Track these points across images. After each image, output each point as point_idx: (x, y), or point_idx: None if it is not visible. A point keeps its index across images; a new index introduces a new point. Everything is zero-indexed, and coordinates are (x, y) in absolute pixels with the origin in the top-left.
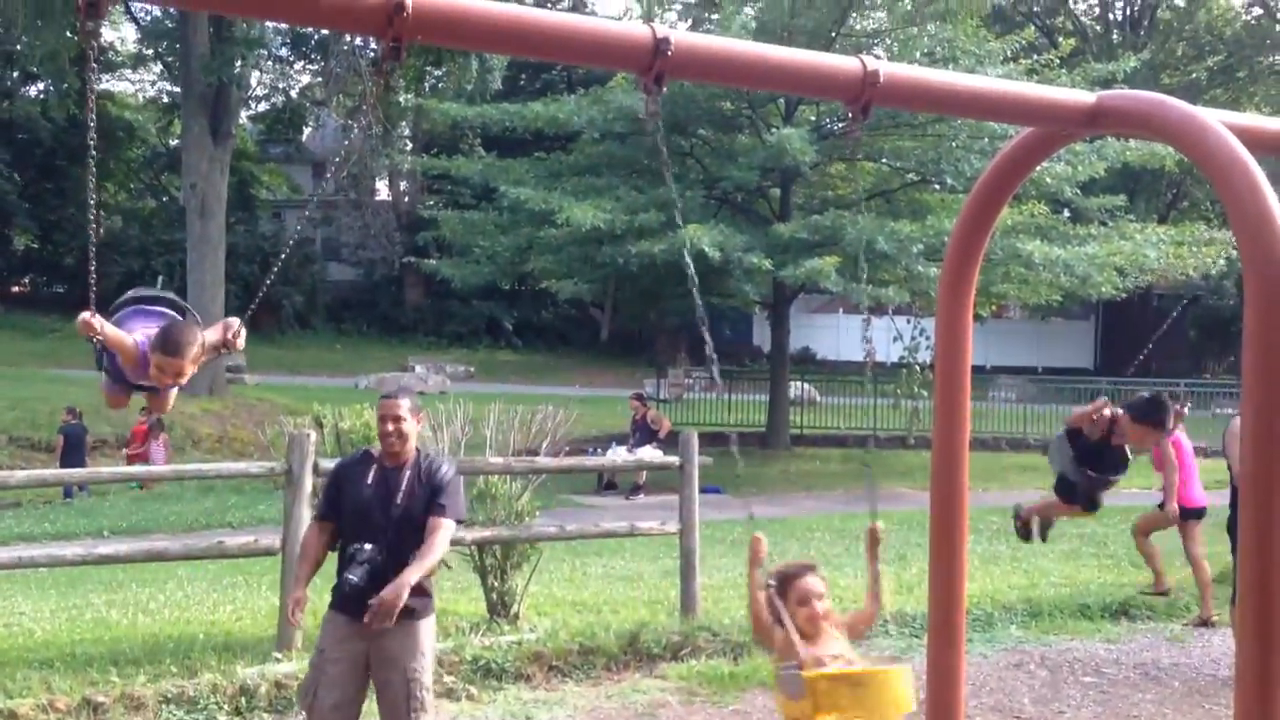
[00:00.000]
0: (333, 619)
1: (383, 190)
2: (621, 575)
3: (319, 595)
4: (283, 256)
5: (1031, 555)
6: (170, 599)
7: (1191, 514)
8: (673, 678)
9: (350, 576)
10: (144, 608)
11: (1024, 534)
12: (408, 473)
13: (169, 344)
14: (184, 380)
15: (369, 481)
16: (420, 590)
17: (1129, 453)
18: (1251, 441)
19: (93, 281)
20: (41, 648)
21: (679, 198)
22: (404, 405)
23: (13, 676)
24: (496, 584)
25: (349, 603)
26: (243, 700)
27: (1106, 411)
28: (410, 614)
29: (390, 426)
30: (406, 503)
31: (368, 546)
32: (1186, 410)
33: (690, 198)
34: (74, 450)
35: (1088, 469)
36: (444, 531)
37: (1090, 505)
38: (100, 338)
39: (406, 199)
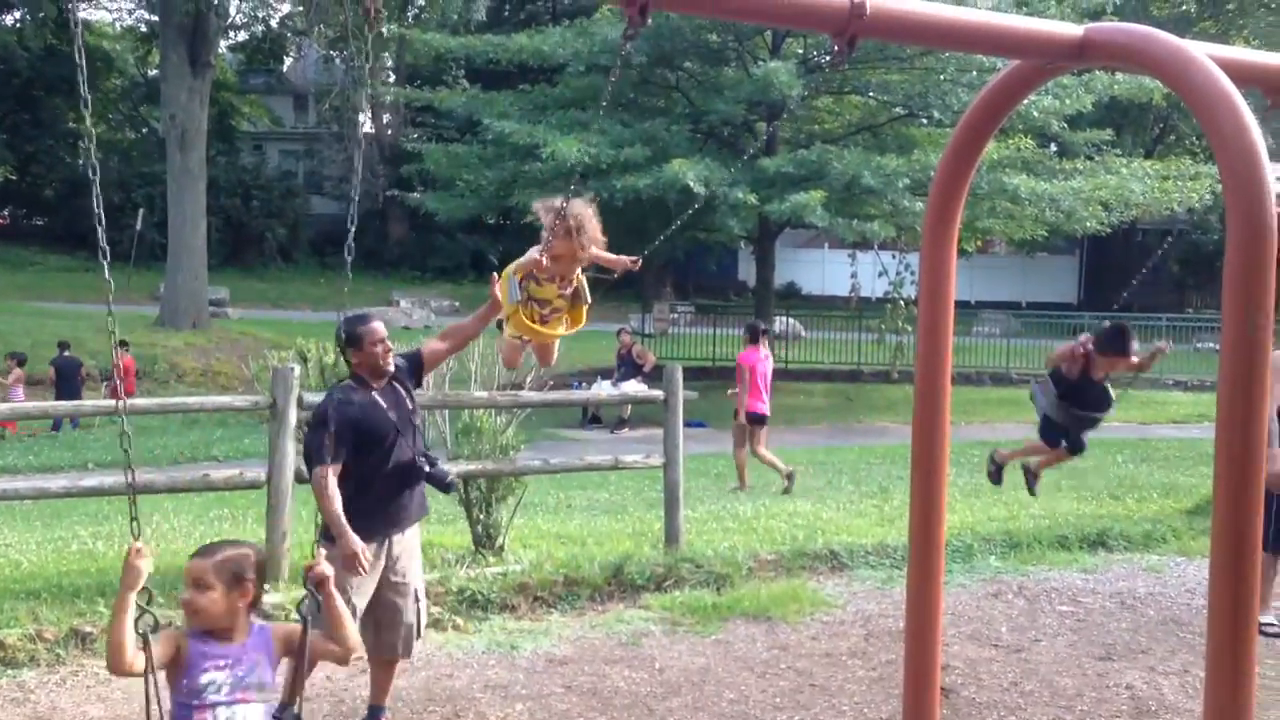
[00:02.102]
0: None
1: (366, 123)
2: (606, 508)
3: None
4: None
5: (1011, 488)
6: (157, 531)
7: (755, 420)
8: (656, 608)
9: (445, 476)
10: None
11: (995, 478)
12: (396, 384)
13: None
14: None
15: (383, 405)
16: (438, 476)
17: (1111, 391)
18: (1229, 374)
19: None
20: (28, 579)
21: (663, 132)
22: (383, 325)
23: (0, 607)
24: (482, 517)
25: (405, 519)
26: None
27: (1082, 349)
28: (418, 514)
29: (380, 348)
30: (415, 405)
31: (431, 452)
32: (1168, 349)
33: (676, 132)
34: (67, 383)
35: (1072, 407)
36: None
37: (1075, 446)
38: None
39: (390, 132)
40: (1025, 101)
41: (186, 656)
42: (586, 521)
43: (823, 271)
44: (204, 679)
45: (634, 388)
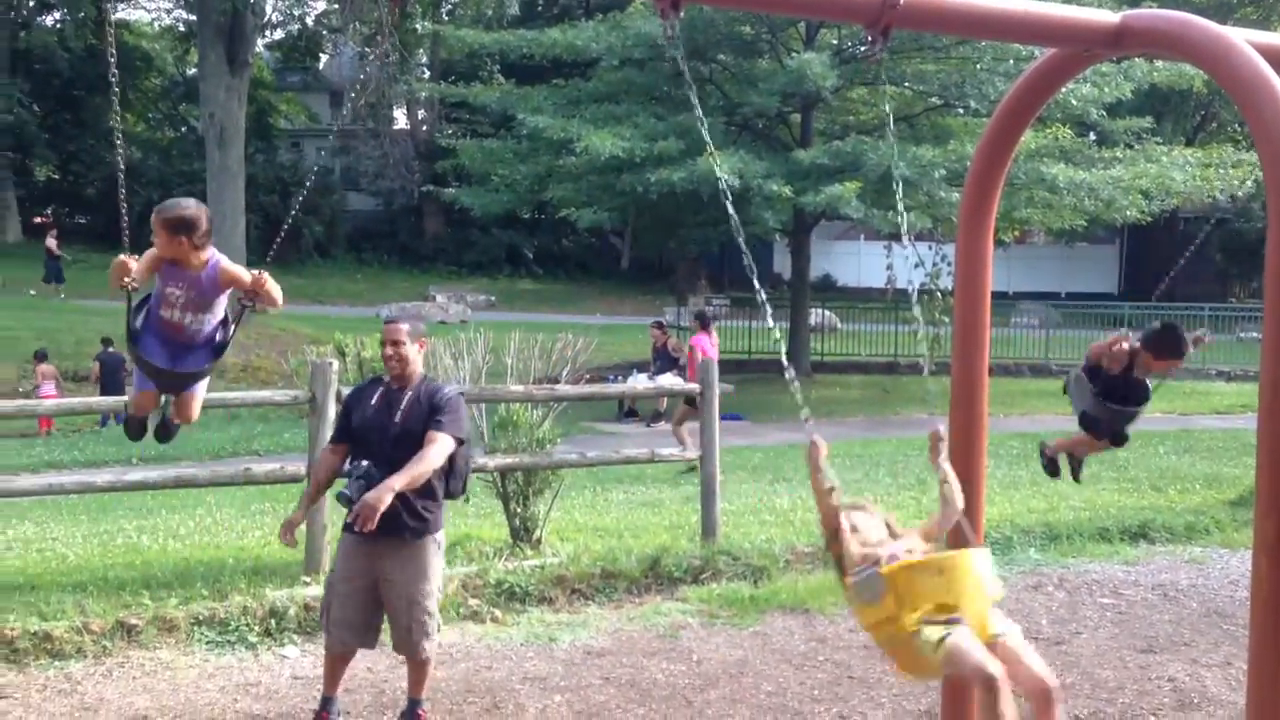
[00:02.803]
0: (343, 540)
1: (401, 119)
2: (642, 501)
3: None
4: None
5: (1051, 480)
6: (200, 525)
7: (691, 400)
8: (693, 600)
9: (345, 491)
10: (174, 533)
11: (1051, 470)
12: (409, 394)
13: (172, 214)
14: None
15: (373, 402)
16: (416, 513)
17: (1149, 383)
18: (1272, 364)
19: (125, 226)
20: (74, 572)
21: (698, 124)
22: (404, 329)
23: (47, 600)
24: (519, 510)
25: (352, 522)
26: (272, 622)
27: (1125, 345)
28: (408, 535)
29: (389, 350)
30: (404, 421)
31: (364, 463)
32: (1209, 339)
33: (710, 124)
34: (111, 378)
35: (1110, 403)
36: (439, 444)
37: (1117, 439)
38: (133, 281)
39: (425, 128)
40: (1063, 90)
41: (163, 269)
42: (623, 514)
43: (858, 263)
44: (168, 289)
45: (670, 381)
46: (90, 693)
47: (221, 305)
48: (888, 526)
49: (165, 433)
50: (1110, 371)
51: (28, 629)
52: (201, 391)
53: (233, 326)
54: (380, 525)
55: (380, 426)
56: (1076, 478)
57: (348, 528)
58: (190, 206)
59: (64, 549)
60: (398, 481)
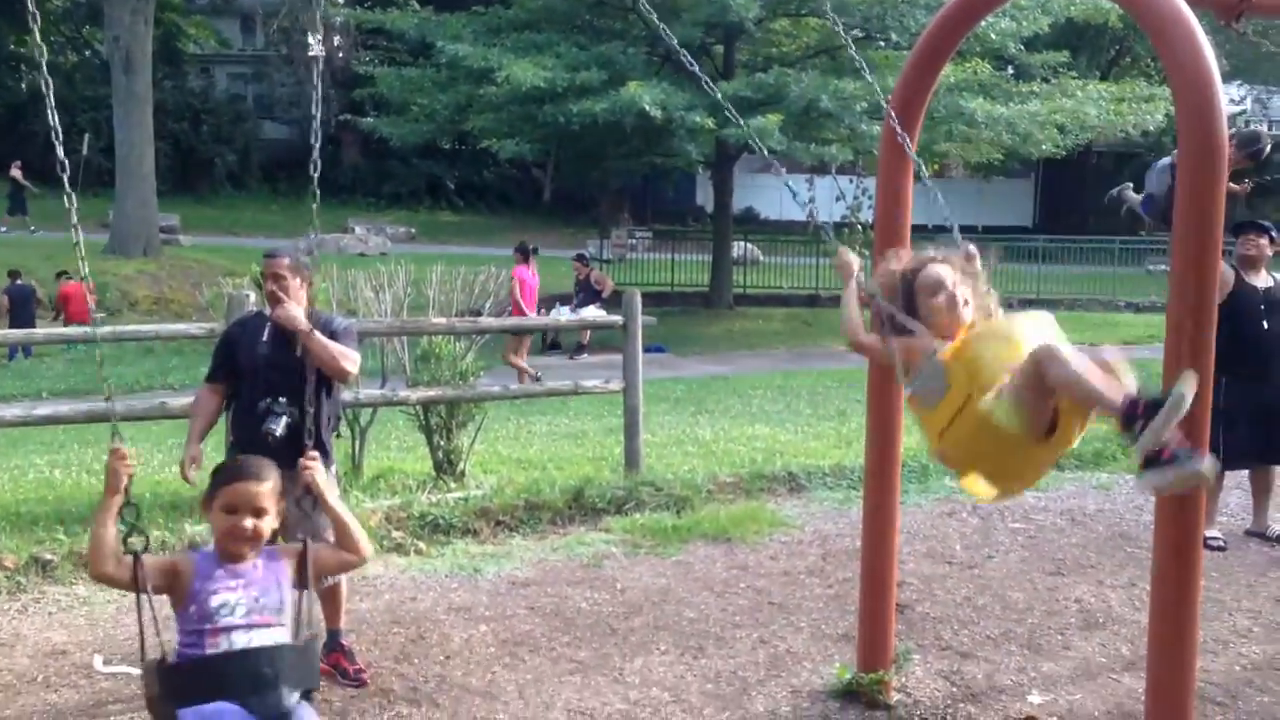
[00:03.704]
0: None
1: (315, 45)
2: (566, 433)
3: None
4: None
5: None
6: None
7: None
8: (617, 531)
9: (272, 427)
10: (88, 468)
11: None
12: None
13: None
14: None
15: (264, 339)
16: (321, 446)
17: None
18: (1178, 295)
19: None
20: None
21: (620, 55)
22: (284, 263)
23: None
24: (442, 443)
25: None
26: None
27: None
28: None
29: (271, 285)
30: (303, 354)
31: (282, 399)
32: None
33: (632, 55)
34: (22, 310)
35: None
36: (350, 355)
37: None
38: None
39: (340, 54)
40: (982, 23)
41: (191, 580)
42: (547, 446)
43: (780, 197)
44: (215, 601)
45: (593, 313)
46: (5, 628)
47: (287, 602)
48: (957, 293)
49: None
50: None
51: None
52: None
53: (305, 594)
54: (283, 460)
55: (277, 363)
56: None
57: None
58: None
59: None
60: (319, 336)
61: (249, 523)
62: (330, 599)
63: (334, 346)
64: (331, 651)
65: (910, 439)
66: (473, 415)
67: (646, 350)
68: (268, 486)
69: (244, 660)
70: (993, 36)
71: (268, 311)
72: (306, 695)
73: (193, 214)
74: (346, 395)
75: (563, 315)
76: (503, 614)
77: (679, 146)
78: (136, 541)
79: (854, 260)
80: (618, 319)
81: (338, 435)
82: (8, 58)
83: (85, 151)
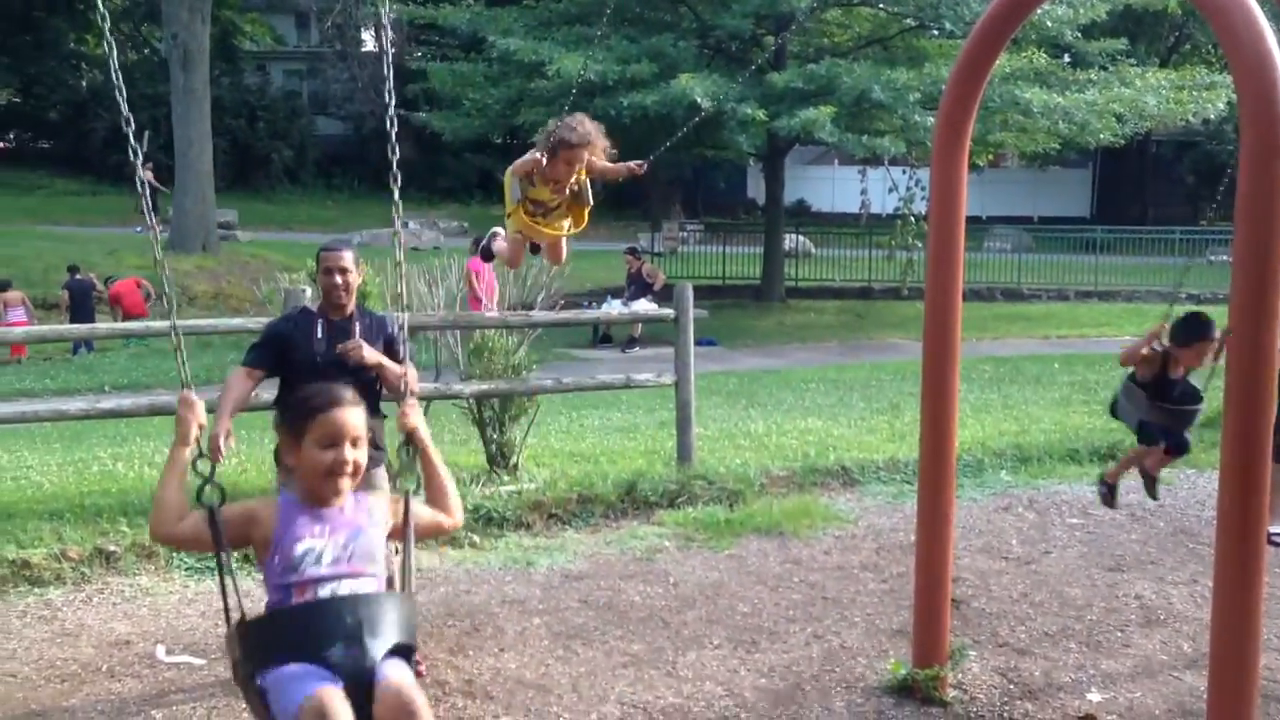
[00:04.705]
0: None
1: (369, 41)
2: (618, 427)
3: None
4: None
5: (1022, 403)
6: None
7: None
8: (670, 524)
9: None
10: (149, 460)
11: (1109, 500)
12: (358, 325)
13: (313, 396)
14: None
15: (319, 336)
16: (375, 442)
17: (1195, 384)
18: (1241, 283)
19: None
20: (51, 499)
21: (670, 48)
22: (348, 256)
23: (24, 528)
24: (495, 436)
25: None
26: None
27: (1158, 346)
28: (370, 465)
29: (338, 279)
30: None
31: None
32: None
33: (683, 47)
34: (81, 305)
35: (1166, 404)
36: (412, 370)
37: (1179, 445)
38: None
39: (393, 50)
40: (1038, 11)
41: (274, 528)
42: (599, 440)
43: (832, 188)
44: (299, 548)
45: (644, 306)
46: (70, 619)
47: (382, 548)
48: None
49: None
50: (1146, 378)
51: (6, 556)
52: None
53: (394, 548)
54: None
55: (336, 361)
56: (1153, 495)
57: None
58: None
59: (39, 477)
60: (388, 363)
61: (350, 454)
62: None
63: (403, 375)
64: None
65: (965, 432)
66: (525, 409)
67: (698, 343)
68: (361, 410)
69: (323, 609)
70: (1049, 24)
71: (312, 306)
72: (405, 657)
73: (250, 210)
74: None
75: (614, 308)
76: (556, 607)
77: (730, 138)
78: (212, 493)
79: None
80: (669, 312)
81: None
82: (68, 55)
83: (145, 148)
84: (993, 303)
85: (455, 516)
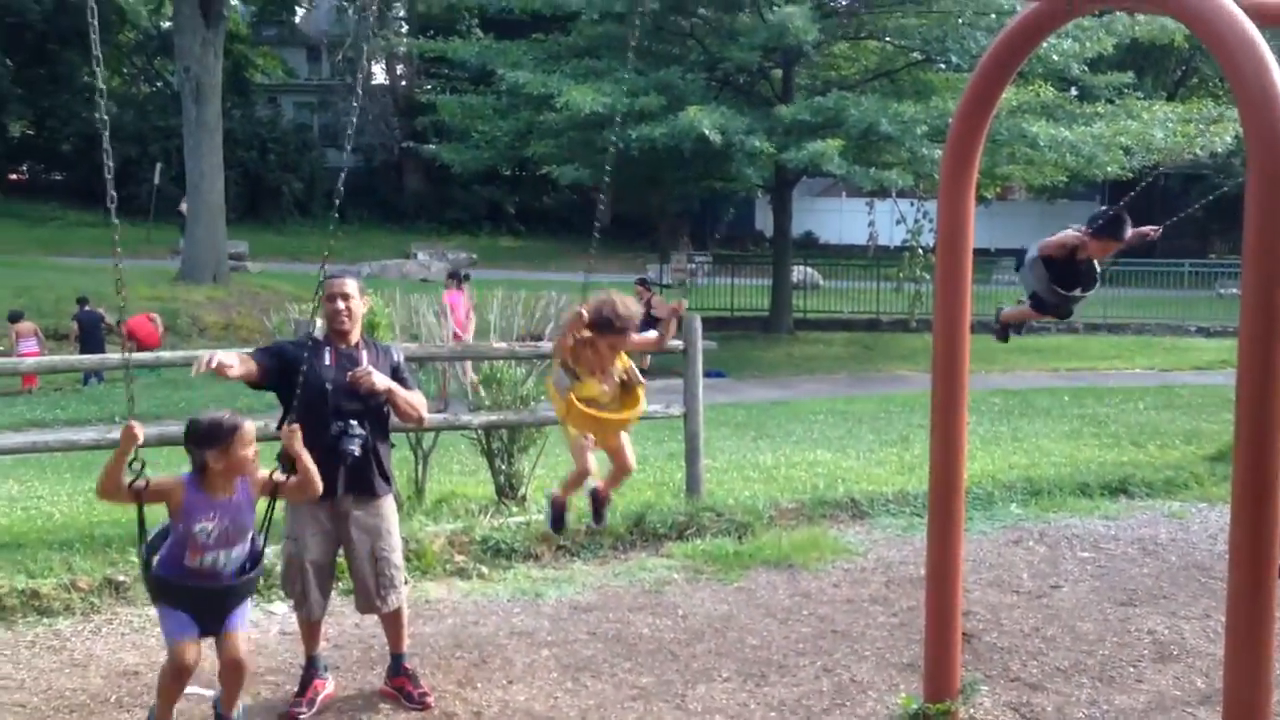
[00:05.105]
0: (300, 506)
1: (379, 75)
2: None
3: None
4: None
5: (1032, 435)
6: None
7: None
8: (679, 556)
9: (349, 448)
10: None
11: (1003, 336)
12: (364, 353)
13: (204, 432)
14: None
15: (328, 363)
16: (383, 470)
17: (1096, 267)
18: (1250, 317)
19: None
20: (61, 530)
21: (679, 80)
22: (351, 284)
23: (34, 557)
24: (504, 467)
25: (334, 481)
26: (260, 580)
27: (1071, 234)
28: (379, 491)
29: (340, 304)
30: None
31: (354, 423)
32: (1154, 233)
33: (691, 80)
34: (91, 336)
35: (1060, 288)
36: (420, 395)
37: (1064, 316)
38: (140, 472)
39: (404, 83)
40: (1044, 44)
41: (183, 506)
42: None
43: (840, 221)
44: (197, 527)
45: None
46: (79, 649)
47: (252, 520)
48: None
49: (228, 703)
50: (1057, 257)
51: (15, 586)
52: (246, 621)
53: (263, 536)
54: (355, 484)
55: (346, 389)
56: (1004, 338)
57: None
58: (227, 415)
59: (49, 507)
60: (398, 388)
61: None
62: (392, 623)
63: (411, 397)
64: (395, 675)
65: (975, 465)
66: (534, 440)
67: (706, 375)
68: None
69: (199, 592)
70: (1055, 58)
71: (319, 334)
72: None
73: (260, 241)
74: None
75: None
76: (565, 639)
77: (738, 170)
78: (142, 478)
79: (584, 314)
80: (678, 344)
81: (393, 445)
82: (82, 88)
83: (157, 180)
84: None
85: (313, 483)
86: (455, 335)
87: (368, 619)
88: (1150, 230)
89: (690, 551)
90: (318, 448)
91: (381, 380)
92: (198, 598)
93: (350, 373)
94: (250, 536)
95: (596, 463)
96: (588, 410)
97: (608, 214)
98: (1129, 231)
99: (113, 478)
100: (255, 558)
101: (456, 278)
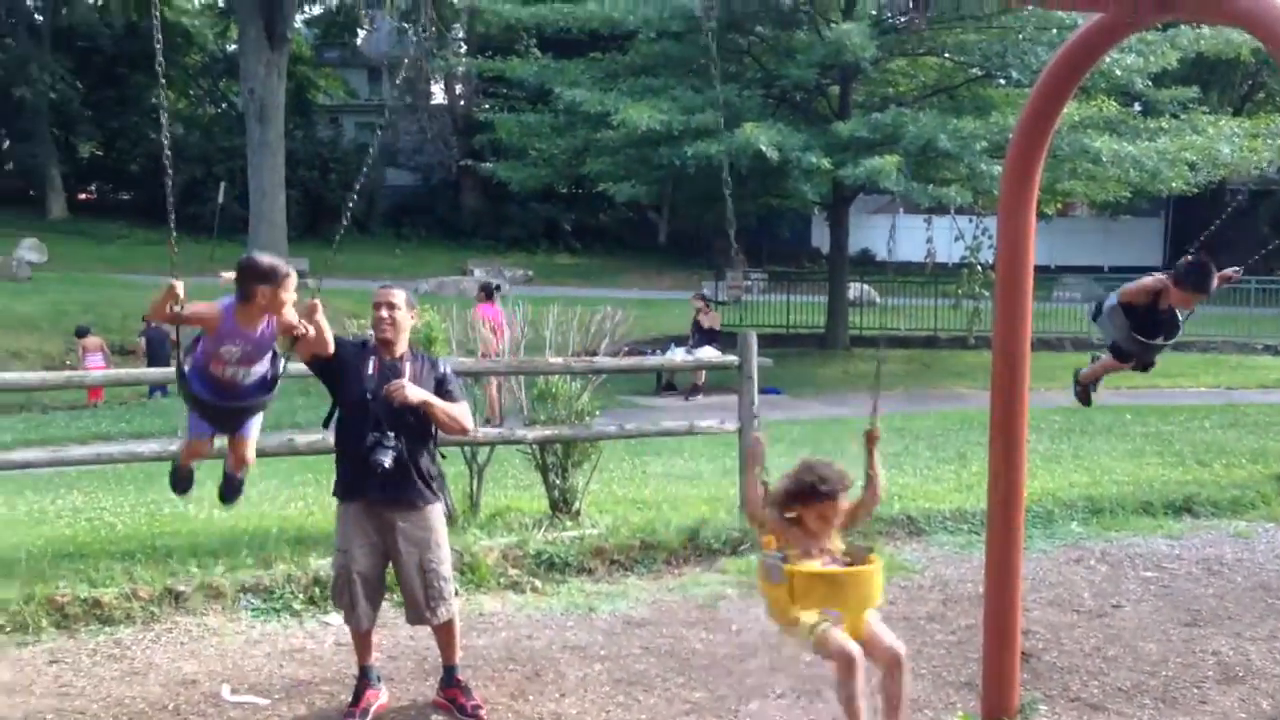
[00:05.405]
0: (348, 512)
1: (438, 94)
2: (681, 474)
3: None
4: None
5: (1094, 454)
6: (244, 495)
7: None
8: (732, 572)
9: (380, 459)
10: (219, 504)
11: (1085, 399)
12: (408, 365)
13: (265, 270)
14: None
15: (370, 372)
16: (426, 480)
17: (1179, 315)
18: None
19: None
20: (123, 540)
21: (735, 97)
22: (398, 295)
23: (96, 567)
24: (558, 482)
25: (369, 490)
26: (316, 590)
27: (1153, 282)
28: (420, 502)
29: (385, 314)
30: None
31: (391, 434)
32: (1237, 275)
33: (748, 97)
34: (158, 353)
35: (1141, 337)
36: (465, 406)
37: (1147, 367)
38: (180, 308)
39: (462, 102)
40: (1107, 59)
41: (217, 330)
42: (662, 487)
43: (897, 237)
44: (224, 349)
45: (709, 354)
46: (139, 657)
47: (270, 352)
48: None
49: (230, 490)
50: (1137, 304)
51: (78, 595)
52: (255, 431)
53: (283, 360)
54: (392, 494)
55: (384, 398)
56: (1087, 401)
57: (350, 497)
58: (282, 262)
59: (112, 518)
60: (435, 400)
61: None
62: (444, 635)
63: (452, 409)
64: (448, 686)
65: (1035, 483)
66: (588, 455)
67: (761, 392)
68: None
69: (218, 409)
70: (1118, 73)
71: (372, 343)
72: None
73: (321, 258)
74: None
75: (678, 356)
76: (618, 653)
77: (795, 187)
78: (180, 307)
79: (761, 446)
80: (733, 359)
81: (443, 456)
82: (150, 110)
83: (222, 199)
84: (1062, 352)
85: (326, 341)
86: (488, 350)
87: (421, 630)
88: (1233, 273)
89: (745, 567)
90: (355, 454)
91: (416, 393)
92: (218, 413)
93: (387, 386)
94: (269, 360)
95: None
96: (813, 570)
97: (663, 231)
98: (1214, 283)
99: (156, 312)
100: (272, 380)
101: (488, 290)
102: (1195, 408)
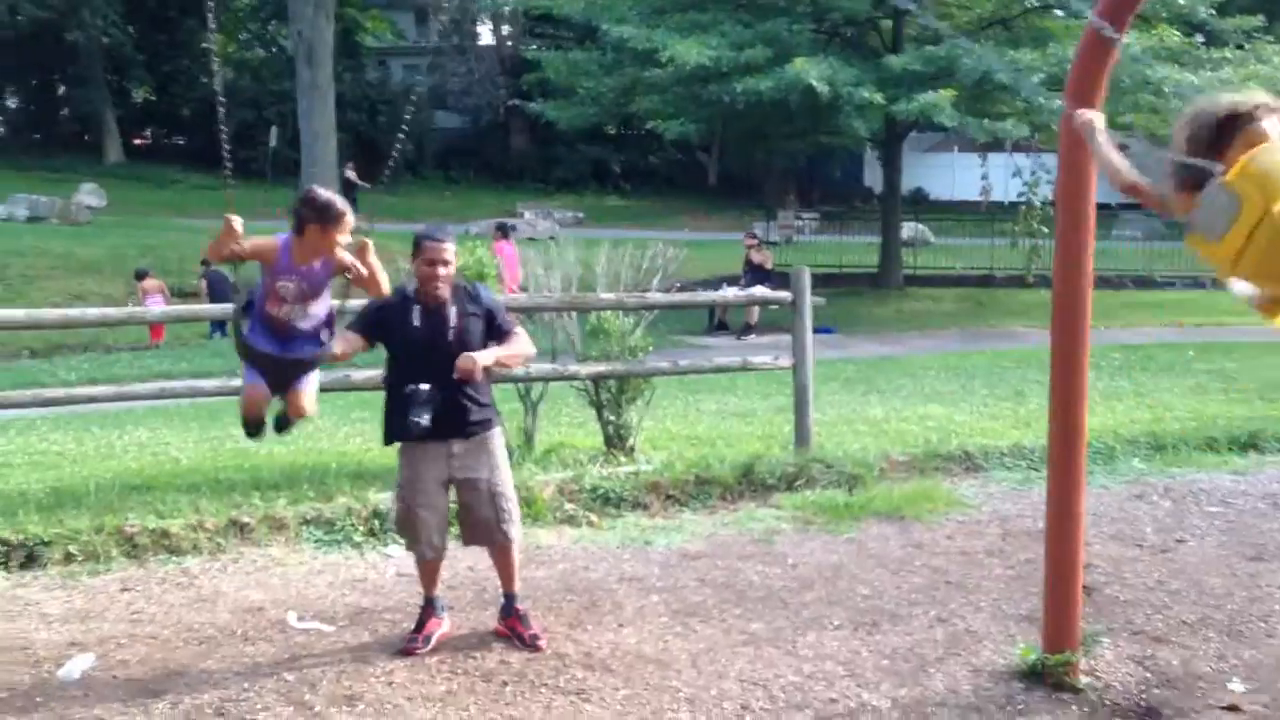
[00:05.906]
0: (409, 452)
1: (485, 35)
2: (734, 411)
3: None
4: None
5: (1156, 391)
6: (303, 431)
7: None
8: (787, 507)
9: (418, 420)
10: (279, 439)
11: None
12: (451, 308)
13: (320, 205)
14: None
15: (414, 323)
16: (482, 407)
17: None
18: None
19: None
20: (188, 474)
21: (785, 32)
22: (450, 248)
23: (163, 499)
24: (612, 418)
25: (423, 431)
26: (375, 522)
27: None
28: (479, 428)
29: (440, 270)
30: (459, 336)
31: (424, 387)
32: None
33: (798, 31)
34: (219, 294)
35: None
36: (521, 334)
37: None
38: (237, 248)
39: (509, 43)
40: None
41: (274, 264)
42: (715, 424)
43: (952, 176)
44: (279, 284)
45: (762, 291)
46: (207, 586)
47: (329, 292)
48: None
49: (286, 425)
50: None
51: (147, 526)
52: (313, 386)
53: (334, 318)
54: (450, 425)
55: (435, 346)
56: None
57: (408, 437)
58: (340, 200)
59: (177, 453)
60: (501, 352)
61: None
62: (504, 560)
63: (515, 348)
64: (508, 616)
65: (1095, 419)
66: (642, 391)
67: (815, 331)
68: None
69: (271, 359)
70: (1181, 1)
71: (410, 291)
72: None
73: (371, 200)
74: (518, 371)
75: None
76: (674, 585)
77: (846, 124)
78: (238, 248)
79: (1095, 115)
80: (786, 295)
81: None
82: (201, 54)
83: (273, 143)
84: (1122, 290)
85: (380, 286)
86: (509, 287)
87: (482, 561)
88: None
89: (799, 502)
90: (402, 401)
91: (485, 358)
92: (274, 365)
93: (457, 372)
94: (324, 298)
95: None
96: None
97: (713, 173)
98: None
99: (215, 251)
100: (327, 327)
101: (503, 229)
102: (1260, 345)
